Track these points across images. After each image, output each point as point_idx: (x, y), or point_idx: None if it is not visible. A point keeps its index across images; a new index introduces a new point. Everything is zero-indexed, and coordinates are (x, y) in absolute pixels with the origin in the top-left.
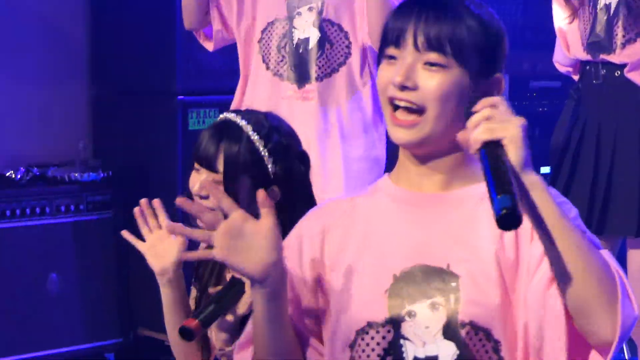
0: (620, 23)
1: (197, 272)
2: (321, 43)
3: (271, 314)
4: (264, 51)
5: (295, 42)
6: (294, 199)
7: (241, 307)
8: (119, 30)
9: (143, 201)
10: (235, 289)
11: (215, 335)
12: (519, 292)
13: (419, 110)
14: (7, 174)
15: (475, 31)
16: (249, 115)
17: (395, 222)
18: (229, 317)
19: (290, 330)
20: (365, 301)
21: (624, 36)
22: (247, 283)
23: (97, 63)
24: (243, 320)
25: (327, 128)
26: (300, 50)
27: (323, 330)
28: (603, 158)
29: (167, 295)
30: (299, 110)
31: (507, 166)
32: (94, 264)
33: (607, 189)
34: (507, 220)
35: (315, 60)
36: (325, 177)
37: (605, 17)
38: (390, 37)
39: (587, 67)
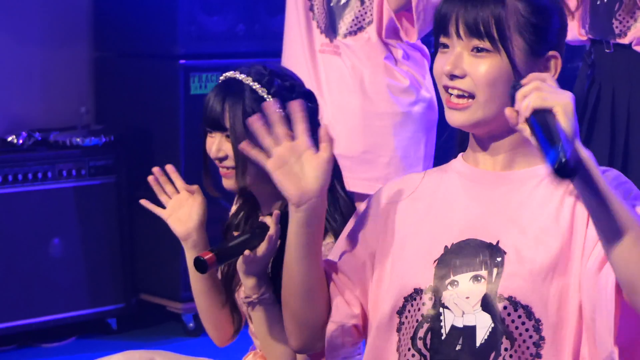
0: (621, 11)
1: (225, 235)
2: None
3: (301, 239)
4: (311, 3)
5: None
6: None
7: (259, 250)
8: None
9: (156, 169)
10: (257, 232)
11: (243, 282)
12: (572, 274)
13: (470, 96)
14: (9, 139)
15: (518, 11)
16: (248, 68)
17: (457, 197)
18: (252, 258)
19: (318, 266)
20: (415, 269)
21: (621, 22)
22: (270, 222)
23: (99, 26)
24: (273, 265)
25: (351, 82)
26: (332, 4)
27: (369, 295)
28: (619, 124)
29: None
30: (329, 63)
31: (558, 127)
32: (97, 229)
33: (625, 155)
34: (565, 169)
35: (344, 15)
36: (344, 131)
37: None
38: (440, 26)
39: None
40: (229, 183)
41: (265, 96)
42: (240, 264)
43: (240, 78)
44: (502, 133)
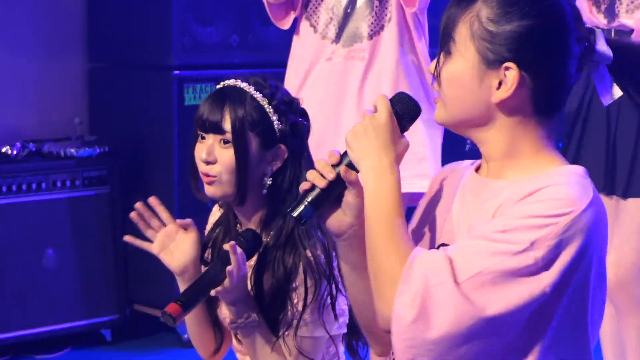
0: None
1: (202, 254)
2: (369, 1)
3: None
4: (311, 14)
5: (343, 3)
6: (299, 154)
7: (226, 284)
8: (115, 4)
9: (139, 204)
10: (219, 266)
11: (227, 309)
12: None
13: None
14: (3, 150)
15: (475, 22)
16: (248, 78)
17: (453, 199)
18: (225, 290)
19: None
20: None
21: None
22: (230, 253)
23: (93, 38)
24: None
25: (373, 83)
26: (349, 10)
27: None
28: (612, 122)
29: None
30: (343, 69)
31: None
32: (90, 240)
33: (629, 176)
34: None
35: (365, 18)
36: None
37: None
38: None
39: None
40: (211, 190)
41: (266, 106)
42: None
43: (241, 86)
44: (484, 141)
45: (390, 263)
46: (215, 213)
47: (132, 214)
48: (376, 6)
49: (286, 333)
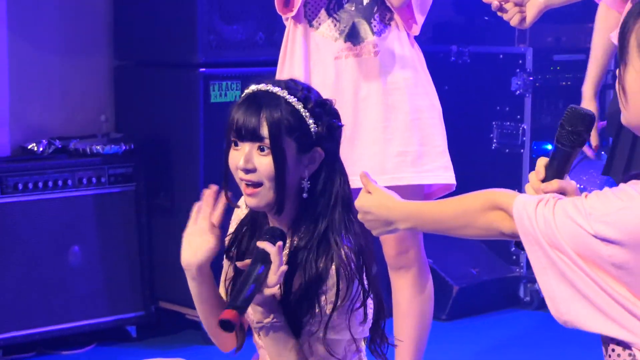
0: None
1: (227, 252)
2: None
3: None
4: (309, 15)
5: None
6: (334, 156)
7: (269, 282)
8: (141, 2)
9: (210, 191)
10: (261, 263)
11: (253, 309)
12: None
13: None
14: (29, 147)
15: None
16: (278, 82)
17: None
18: (263, 292)
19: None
20: None
21: None
22: (273, 253)
23: (119, 36)
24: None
25: (391, 80)
26: (353, 8)
27: None
28: None
29: (193, 288)
30: (354, 66)
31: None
32: (116, 237)
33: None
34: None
35: (373, 15)
36: (399, 128)
37: None
38: None
39: None
40: (254, 201)
41: (301, 110)
42: None
43: (274, 90)
44: None
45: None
46: (242, 206)
47: (207, 191)
48: (379, 3)
49: (311, 335)
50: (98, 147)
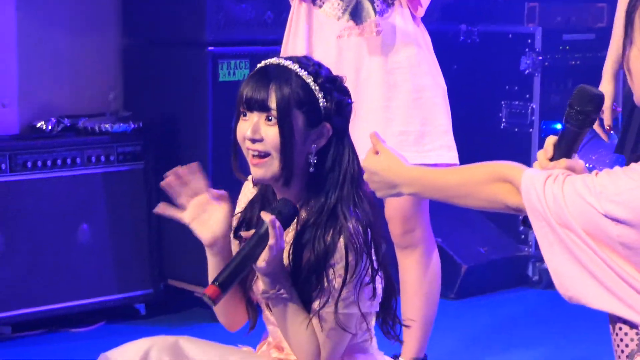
0: None
1: (236, 231)
2: None
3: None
4: None
5: None
6: (343, 133)
7: (263, 258)
8: None
9: (171, 173)
10: (255, 241)
11: (260, 280)
12: None
13: None
14: (38, 125)
15: None
16: (290, 57)
17: None
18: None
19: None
20: None
21: None
22: (270, 231)
23: (128, 14)
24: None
25: (393, 59)
26: None
27: None
28: None
29: (216, 263)
30: (356, 45)
31: None
32: (125, 215)
33: None
34: None
35: None
36: (400, 108)
37: None
38: None
39: None
40: (260, 172)
41: (311, 84)
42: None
43: (285, 64)
44: None
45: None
46: (248, 186)
47: (163, 183)
48: None
49: (320, 308)
50: (107, 126)
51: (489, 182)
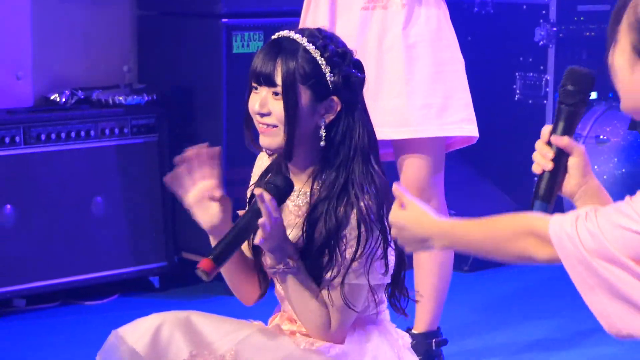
0: None
1: (249, 202)
2: None
3: None
4: None
5: None
6: (353, 106)
7: (260, 235)
8: None
9: (191, 151)
10: (250, 216)
11: (267, 255)
12: None
13: None
14: (52, 97)
15: (632, 13)
16: (302, 30)
17: None
18: (264, 237)
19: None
20: None
21: None
22: (262, 206)
23: None
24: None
25: (415, 33)
26: None
27: None
28: None
29: None
30: (382, 18)
31: None
32: (139, 188)
33: None
34: None
35: None
36: (422, 80)
37: None
38: None
39: None
40: (267, 141)
41: (318, 58)
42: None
43: (294, 37)
44: None
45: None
46: (262, 158)
47: (183, 155)
48: None
49: (330, 279)
50: (121, 98)
51: (516, 238)
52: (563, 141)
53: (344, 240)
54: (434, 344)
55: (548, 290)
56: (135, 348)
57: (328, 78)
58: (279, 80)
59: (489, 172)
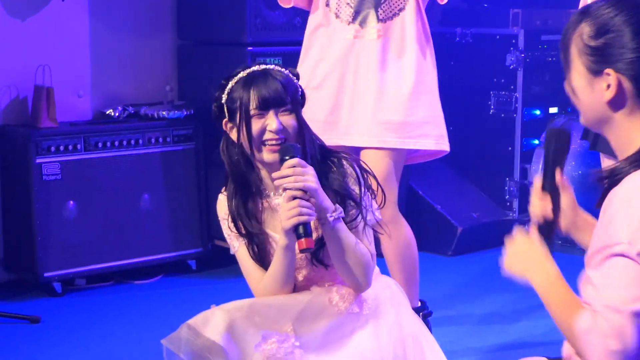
0: None
1: (238, 231)
2: None
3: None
4: (333, 3)
5: None
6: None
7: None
8: None
9: None
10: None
11: (320, 214)
12: None
13: None
14: (107, 112)
15: (580, 41)
16: (258, 63)
17: None
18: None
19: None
20: None
21: None
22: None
23: (181, 19)
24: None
25: (386, 60)
26: None
27: None
28: None
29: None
30: (361, 46)
31: None
32: (179, 187)
33: None
34: None
35: (380, 5)
36: (403, 98)
37: None
38: None
39: None
40: (276, 157)
41: (292, 77)
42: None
43: (268, 67)
44: (611, 136)
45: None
46: (222, 201)
47: None
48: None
49: (355, 224)
50: (164, 113)
51: (571, 319)
52: (558, 177)
53: (351, 183)
54: (421, 317)
55: None
56: (214, 339)
57: (300, 90)
58: (287, 98)
59: (469, 173)
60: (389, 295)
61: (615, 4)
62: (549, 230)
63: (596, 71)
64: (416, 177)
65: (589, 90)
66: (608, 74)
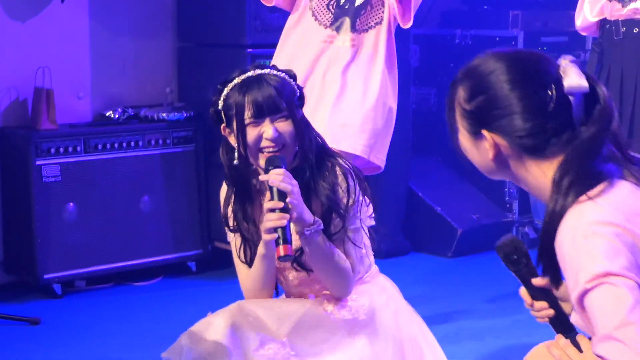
0: None
1: (228, 226)
2: (364, 4)
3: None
4: (314, 5)
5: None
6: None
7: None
8: None
9: None
10: (278, 199)
11: (297, 225)
12: None
13: None
14: (107, 114)
15: (458, 105)
16: (261, 66)
17: None
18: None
19: None
20: None
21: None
22: (287, 190)
23: (181, 21)
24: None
25: (356, 68)
26: (347, 6)
27: None
28: (625, 105)
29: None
30: (333, 51)
31: None
32: (179, 189)
33: (629, 134)
34: None
35: (359, 16)
36: (368, 106)
37: None
38: None
39: (607, 26)
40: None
41: (289, 80)
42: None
43: (263, 72)
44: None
45: None
46: (224, 188)
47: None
48: (370, 6)
49: (336, 233)
50: (164, 114)
51: None
52: (539, 283)
53: (339, 194)
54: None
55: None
56: (218, 339)
57: (298, 93)
58: (283, 104)
59: (468, 174)
60: (384, 299)
61: (489, 59)
62: (562, 322)
63: (475, 133)
64: (416, 178)
65: (475, 151)
66: (483, 135)
